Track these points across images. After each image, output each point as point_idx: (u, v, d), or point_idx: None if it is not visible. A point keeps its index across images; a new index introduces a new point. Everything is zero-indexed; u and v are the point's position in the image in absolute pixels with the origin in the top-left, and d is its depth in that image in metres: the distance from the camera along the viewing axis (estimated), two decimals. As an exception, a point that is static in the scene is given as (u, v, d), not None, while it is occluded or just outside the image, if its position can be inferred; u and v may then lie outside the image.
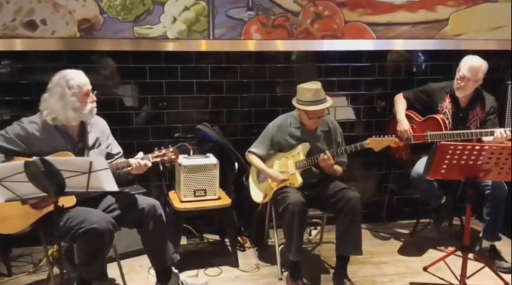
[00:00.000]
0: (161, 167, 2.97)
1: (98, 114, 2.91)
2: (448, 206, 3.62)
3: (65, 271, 2.65)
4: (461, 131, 3.44)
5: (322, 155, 3.14)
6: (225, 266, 3.45)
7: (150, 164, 2.78)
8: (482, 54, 3.52)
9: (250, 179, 3.49)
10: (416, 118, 3.68)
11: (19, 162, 2.37)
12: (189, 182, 3.37)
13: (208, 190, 3.40)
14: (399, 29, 3.98)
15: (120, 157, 2.96)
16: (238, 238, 3.76)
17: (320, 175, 3.30)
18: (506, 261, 3.41)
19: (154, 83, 3.74)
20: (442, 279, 3.26)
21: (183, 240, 3.74)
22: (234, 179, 3.68)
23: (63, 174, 2.37)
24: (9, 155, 2.68)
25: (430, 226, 4.01)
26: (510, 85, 3.94)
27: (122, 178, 2.79)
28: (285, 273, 3.25)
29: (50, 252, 3.07)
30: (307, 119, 3.24)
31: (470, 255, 3.11)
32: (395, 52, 4.08)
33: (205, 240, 3.89)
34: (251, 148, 3.40)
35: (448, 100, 3.60)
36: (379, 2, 3.90)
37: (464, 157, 2.72)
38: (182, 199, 3.38)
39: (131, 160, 2.77)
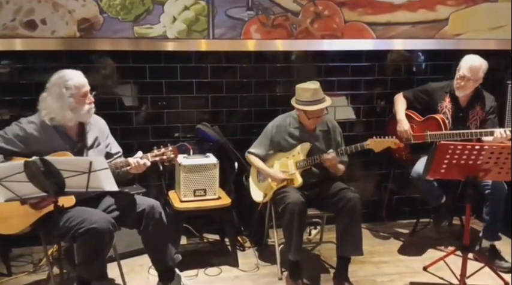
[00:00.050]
0: (161, 167, 2.97)
1: (97, 113, 2.92)
2: (448, 205, 3.62)
3: (64, 271, 2.65)
4: (461, 131, 3.44)
5: (325, 155, 3.14)
6: (225, 265, 3.45)
7: (149, 164, 2.78)
8: (482, 53, 3.52)
9: (250, 179, 3.49)
10: (416, 118, 3.68)
11: (19, 162, 2.37)
12: (189, 182, 3.37)
13: (208, 189, 3.40)
14: (399, 29, 3.98)
15: (120, 156, 2.96)
16: (238, 238, 3.76)
17: (320, 175, 3.30)
18: (506, 261, 3.41)
19: (154, 83, 3.74)
20: (442, 278, 3.26)
21: (183, 240, 3.74)
22: (233, 179, 3.68)
23: (63, 174, 2.37)
24: (8, 155, 2.68)
25: (430, 225, 4.01)
26: (510, 85, 3.93)
27: (121, 178, 2.79)
28: (285, 273, 3.25)
29: (49, 252, 3.07)
30: (306, 119, 3.24)
31: (470, 255, 3.11)
32: (395, 52, 4.08)
33: (205, 240, 3.89)
34: (250, 149, 3.39)
35: (448, 99, 3.59)
36: (379, 1, 3.90)
37: (464, 157, 2.72)
38: (182, 199, 3.38)
39: (130, 160, 2.77)
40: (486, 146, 2.70)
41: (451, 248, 3.49)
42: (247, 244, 3.79)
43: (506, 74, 4.02)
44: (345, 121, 4.06)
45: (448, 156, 2.73)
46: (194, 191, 3.38)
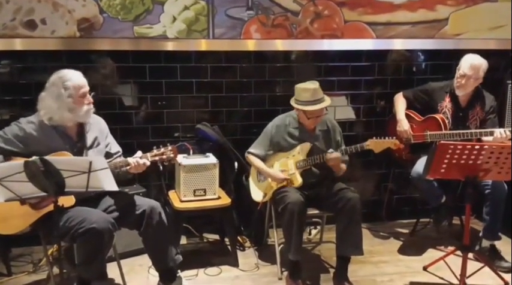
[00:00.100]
0: (161, 167, 2.97)
1: (97, 113, 2.91)
2: (448, 205, 3.62)
3: (64, 271, 2.65)
4: (461, 131, 3.44)
5: (329, 154, 3.13)
6: (224, 265, 3.44)
7: (148, 163, 2.77)
8: (482, 53, 3.52)
9: (250, 179, 3.49)
10: (416, 118, 3.68)
11: (19, 162, 2.37)
12: (189, 182, 3.37)
13: (208, 189, 3.40)
14: (399, 29, 3.98)
15: (119, 156, 2.96)
16: (238, 238, 3.76)
17: (320, 175, 3.30)
18: (506, 261, 3.41)
19: (154, 83, 3.74)
20: (442, 278, 3.26)
21: (183, 240, 3.74)
22: (233, 178, 3.68)
23: (62, 174, 2.36)
24: (8, 155, 2.68)
25: (430, 225, 4.01)
26: (510, 85, 3.93)
27: (120, 177, 2.78)
28: (285, 273, 3.25)
29: (49, 252, 3.07)
30: (305, 119, 3.24)
31: (470, 255, 3.11)
32: (395, 51, 4.08)
33: (205, 240, 3.89)
34: (250, 149, 3.39)
35: (448, 99, 3.59)
36: (379, 1, 3.90)
37: (464, 157, 2.72)
38: (182, 199, 3.38)
39: (130, 159, 2.76)
40: (486, 146, 2.70)
41: (451, 248, 3.49)
42: (247, 244, 3.79)
43: (506, 74, 4.02)
44: (345, 121, 4.05)
45: (448, 156, 2.73)
46: (194, 191, 3.38)
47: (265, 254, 3.62)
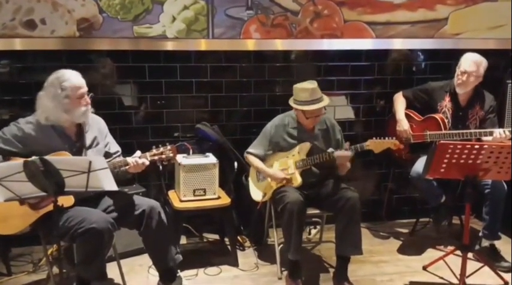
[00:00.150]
0: (160, 167, 2.97)
1: (96, 113, 2.92)
2: (448, 205, 3.62)
3: (64, 271, 2.65)
4: (461, 131, 3.44)
5: (339, 152, 3.10)
6: (224, 265, 3.45)
7: (147, 163, 2.77)
8: (482, 53, 3.52)
9: (250, 179, 3.49)
10: (416, 118, 3.68)
11: (18, 162, 2.36)
12: (189, 182, 3.37)
13: (207, 189, 3.40)
14: (398, 28, 3.98)
15: (119, 156, 2.95)
16: (238, 237, 3.77)
17: (319, 174, 3.30)
18: (506, 261, 3.41)
19: (154, 82, 3.74)
20: (442, 278, 3.26)
21: (183, 240, 3.74)
22: (233, 178, 3.68)
23: (62, 174, 2.36)
24: (7, 155, 2.68)
25: (430, 225, 4.01)
26: (509, 85, 3.93)
27: (120, 177, 2.78)
28: (285, 273, 3.25)
29: (49, 251, 3.07)
30: (304, 118, 3.23)
31: (470, 255, 3.12)
32: (395, 51, 4.07)
33: (204, 240, 3.89)
34: (249, 149, 3.39)
35: (447, 99, 3.60)
36: (379, 1, 3.90)
37: (464, 156, 2.72)
38: (182, 199, 3.38)
39: (129, 159, 2.76)
40: (486, 146, 2.70)
41: (450, 248, 3.49)
42: (247, 244, 3.79)
43: (506, 73, 4.02)
44: (345, 120, 4.05)
45: (447, 155, 2.73)
46: (194, 191, 3.38)
47: (265, 253, 3.62)
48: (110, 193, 2.82)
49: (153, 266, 3.05)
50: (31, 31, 3.47)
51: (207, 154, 3.53)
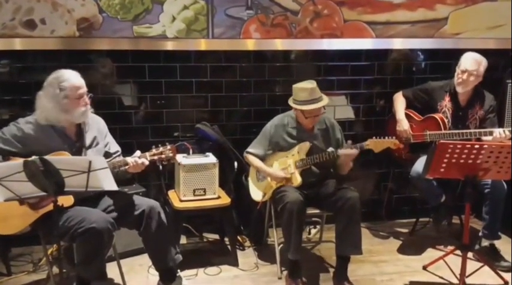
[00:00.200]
0: (160, 167, 2.96)
1: (96, 113, 2.91)
2: (448, 205, 3.62)
3: (64, 270, 2.65)
4: (461, 131, 3.44)
5: (344, 150, 3.09)
6: (224, 265, 3.45)
7: (147, 163, 2.77)
8: (482, 52, 3.52)
9: (250, 178, 3.48)
10: (416, 117, 3.68)
11: (18, 161, 2.36)
12: (189, 182, 3.36)
13: (207, 189, 3.40)
14: (398, 28, 3.98)
15: (119, 155, 2.95)
16: (238, 237, 3.77)
17: (319, 174, 3.30)
18: (506, 260, 3.41)
19: (154, 82, 3.74)
20: (442, 278, 3.26)
21: (183, 240, 3.74)
22: (233, 178, 3.68)
23: (62, 173, 2.36)
24: (6, 155, 2.68)
25: (430, 224, 4.01)
26: (509, 84, 3.93)
27: (119, 177, 2.77)
28: (285, 272, 3.26)
29: (49, 251, 3.07)
30: (303, 118, 3.23)
31: (470, 254, 3.12)
32: (395, 50, 4.07)
33: (204, 240, 3.89)
34: (249, 149, 3.39)
35: (447, 98, 3.60)
36: (378, 0, 3.90)
37: (464, 156, 2.72)
38: (182, 198, 3.37)
39: (128, 159, 2.76)
40: (485, 146, 2.70)
41: (450, 247, 3.49)
42: (247, 243, 3.79)
43: (506, 73, 4.02)
44: (345, 120, 4.05)
45: (447, 155, 2.73)
46: (194, 191, 3.38)
47: (265, 253, 3.62)
48: (110, 193, 2.82)
49: (153, 266, 3.04)
50: (31, 31, 3.47)
51: (207, 153, 3.53)
